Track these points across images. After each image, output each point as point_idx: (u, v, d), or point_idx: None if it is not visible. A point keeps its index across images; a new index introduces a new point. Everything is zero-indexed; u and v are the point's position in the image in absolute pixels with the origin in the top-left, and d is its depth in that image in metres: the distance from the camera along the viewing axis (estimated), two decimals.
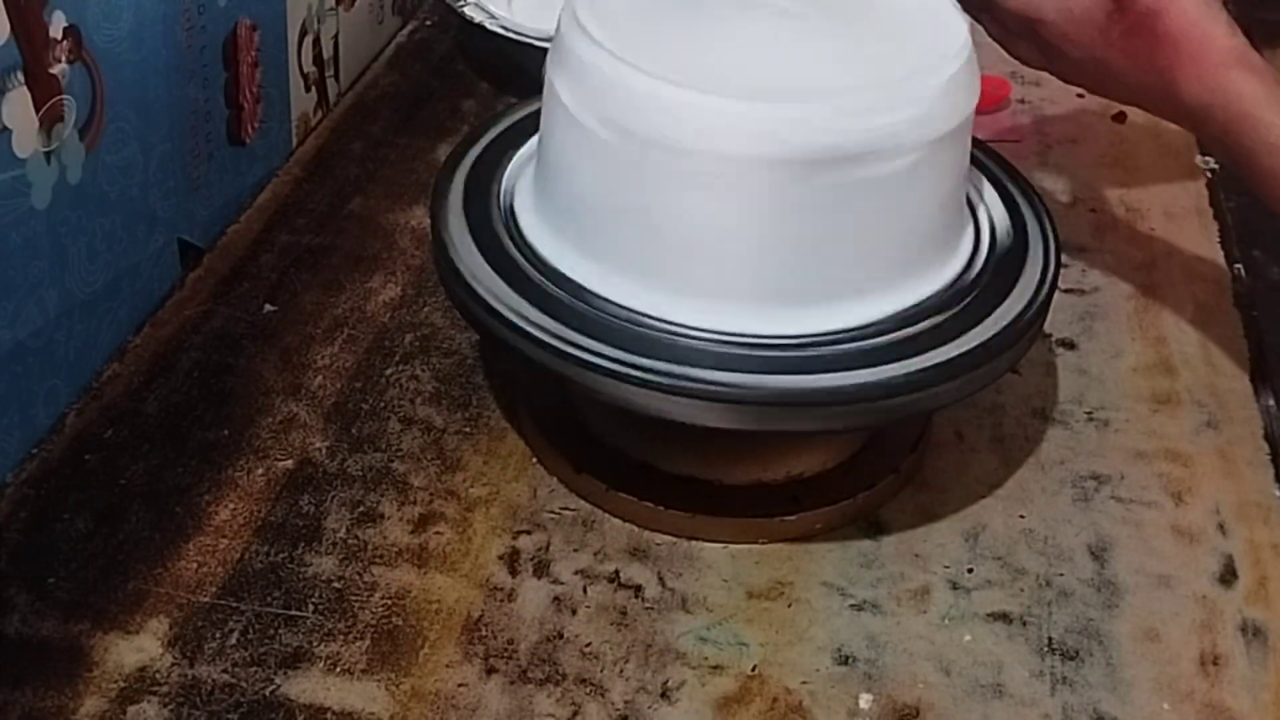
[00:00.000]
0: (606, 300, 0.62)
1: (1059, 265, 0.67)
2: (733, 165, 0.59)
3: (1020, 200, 0.71)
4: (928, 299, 0.64)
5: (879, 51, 0.62)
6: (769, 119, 0.58)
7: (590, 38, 0.61)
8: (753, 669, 0.60)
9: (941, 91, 0.61)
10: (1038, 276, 0.66)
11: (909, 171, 0.60)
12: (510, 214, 0.67)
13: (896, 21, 0.64)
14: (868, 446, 0.69)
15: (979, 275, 0.66)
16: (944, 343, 0.62)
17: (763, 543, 0.65)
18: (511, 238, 0.66)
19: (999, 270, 0.66)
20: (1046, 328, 0.78)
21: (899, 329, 0.62)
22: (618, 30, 0.61)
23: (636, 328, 0.61)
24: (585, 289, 0.63)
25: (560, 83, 0.63)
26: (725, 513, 0.66)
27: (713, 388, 0.59)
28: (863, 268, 0.62)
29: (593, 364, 0.59)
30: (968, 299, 0.64)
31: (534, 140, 0.69)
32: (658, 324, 0.61)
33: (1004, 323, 0.63)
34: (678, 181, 0.60)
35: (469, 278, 0.63)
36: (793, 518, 0.66)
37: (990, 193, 0.70)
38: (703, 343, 0.60)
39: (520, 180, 0.69)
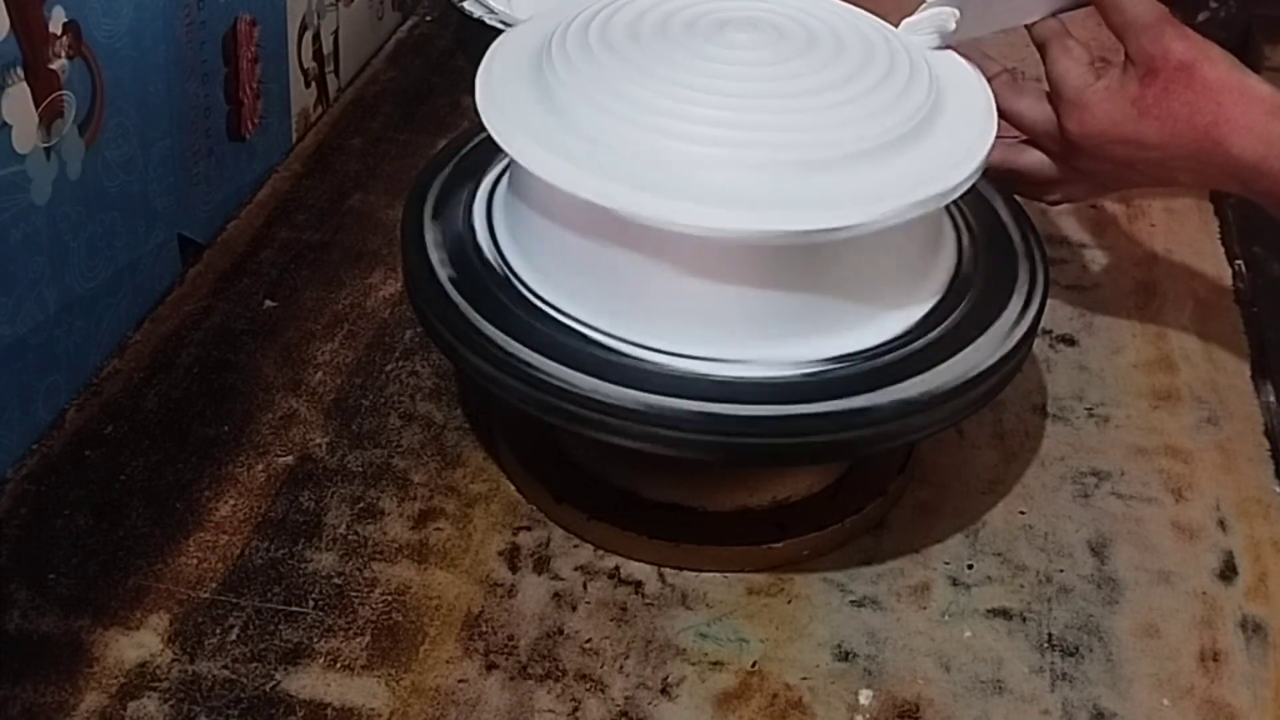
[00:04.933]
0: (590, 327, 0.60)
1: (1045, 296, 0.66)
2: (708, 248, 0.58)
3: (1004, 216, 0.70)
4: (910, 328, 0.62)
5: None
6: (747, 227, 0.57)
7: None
8: (753, 665, 0.60)
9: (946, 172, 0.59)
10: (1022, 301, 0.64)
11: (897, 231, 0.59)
12: (483, 241, 0.66)
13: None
14: (855, 469, 0.68)
15: (962, 301, 0.64)
16: (929, 368, 0.60)
17: (749, 571, 0.64)
18: (486, 266, 0.64)
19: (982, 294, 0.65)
20: (1047, 324, 0.79)
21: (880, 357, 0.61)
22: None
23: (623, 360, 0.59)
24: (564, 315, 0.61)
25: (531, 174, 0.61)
26: (710, 541, 0.64)
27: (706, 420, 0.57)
28: (844, 306, 0.61)
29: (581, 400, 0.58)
30: (951, 324, 0.63)
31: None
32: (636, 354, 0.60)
33: (991, 347, 0.62)
34: (650, 256, 0.59)
35: (448, 309, 0.62)
36: (779, 545, 0.64)
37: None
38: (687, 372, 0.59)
39: (493, 207, 0.67)
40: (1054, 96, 0.71)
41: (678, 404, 0.57)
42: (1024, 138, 0.74)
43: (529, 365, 0.59)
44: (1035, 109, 0.72)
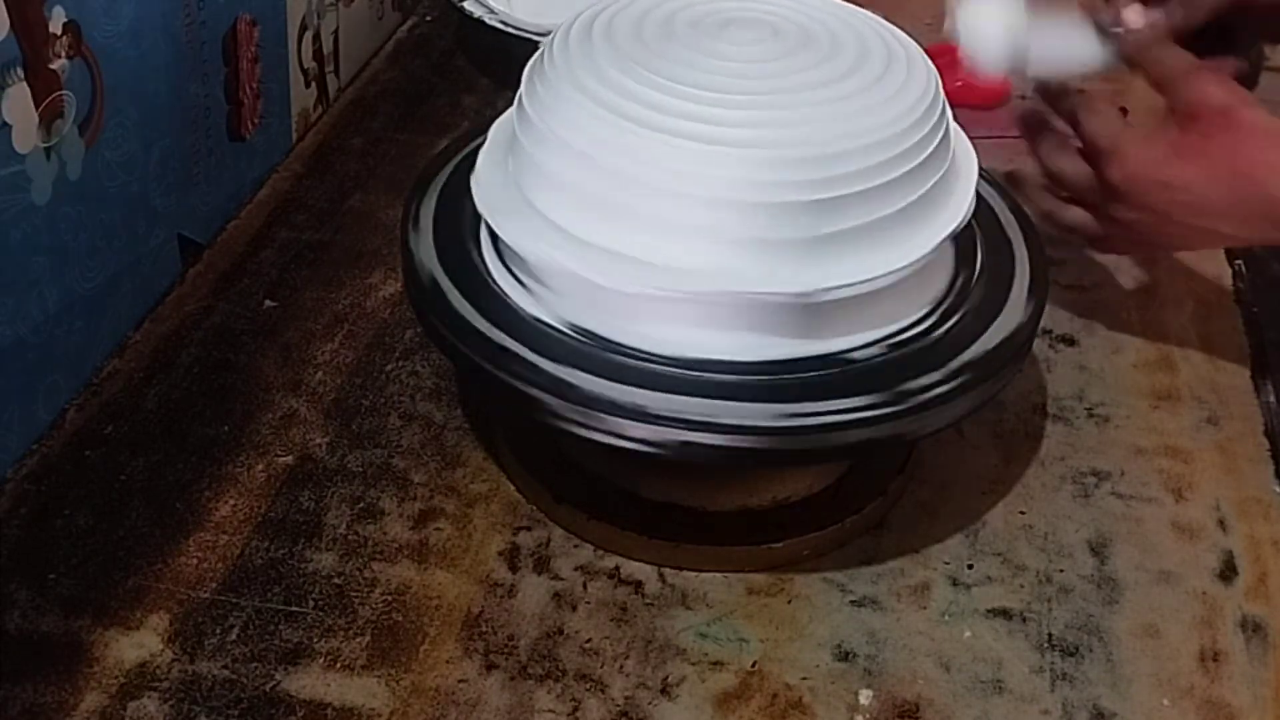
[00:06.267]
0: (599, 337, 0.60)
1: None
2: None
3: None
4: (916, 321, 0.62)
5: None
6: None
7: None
8: (753, 665, 0.60)
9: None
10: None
11: None
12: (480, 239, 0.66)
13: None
14: (855, 469, 0.68)
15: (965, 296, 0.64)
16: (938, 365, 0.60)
17: (749, 571, 0.64)
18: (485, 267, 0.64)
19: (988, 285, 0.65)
20: (1047, 324, 0.79)
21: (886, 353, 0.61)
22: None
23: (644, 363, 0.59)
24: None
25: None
26: (710, 541, 0.64)
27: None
28: (844, 313, 0.60)
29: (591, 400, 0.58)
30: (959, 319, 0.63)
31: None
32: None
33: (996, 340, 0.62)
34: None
35: (444, 306, 0.62)
36: (779, 545, 0.64)
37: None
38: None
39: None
40: (1091, 151, 0.72)
41: (678, 403, 0.57)
42: (1069, 195, 0.75)
43: (528, 365, 0.59)
44: (1076, 166, 0.74)
